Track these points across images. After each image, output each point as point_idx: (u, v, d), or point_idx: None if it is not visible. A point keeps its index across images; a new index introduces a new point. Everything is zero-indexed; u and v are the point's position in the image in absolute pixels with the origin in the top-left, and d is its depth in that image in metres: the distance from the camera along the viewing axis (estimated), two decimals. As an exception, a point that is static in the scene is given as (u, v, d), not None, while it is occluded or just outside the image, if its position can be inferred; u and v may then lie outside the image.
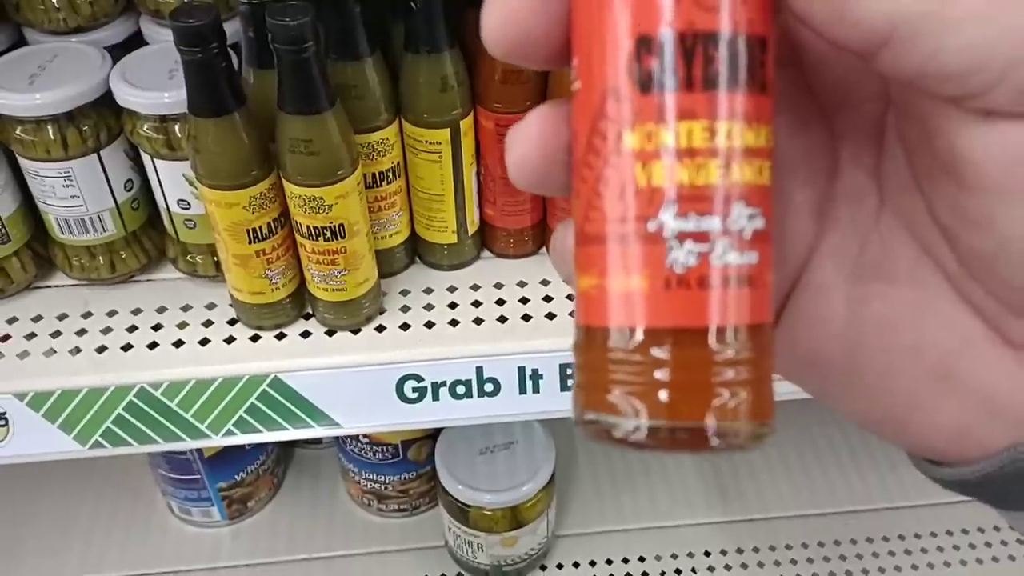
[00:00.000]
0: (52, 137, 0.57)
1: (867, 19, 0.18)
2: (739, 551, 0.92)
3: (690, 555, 0.92)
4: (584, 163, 0.20)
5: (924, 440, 0.23)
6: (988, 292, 0.21)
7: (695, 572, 0.90)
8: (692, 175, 0.19)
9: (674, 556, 0.91)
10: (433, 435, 0.87)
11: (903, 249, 0.22)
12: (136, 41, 0.63)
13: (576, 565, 0.91)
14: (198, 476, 0.87)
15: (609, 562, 0.91)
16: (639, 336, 0.20)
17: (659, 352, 0.20)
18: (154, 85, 0.56)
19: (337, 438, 0.90)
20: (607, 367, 0.20)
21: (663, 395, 0.19)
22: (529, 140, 0.22)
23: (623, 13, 0.19)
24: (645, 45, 0.19)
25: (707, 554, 0.92)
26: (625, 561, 0.91)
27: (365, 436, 0.86)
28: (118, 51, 0.60)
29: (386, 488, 0.91)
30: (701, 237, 0.19)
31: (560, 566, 0.91)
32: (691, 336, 0.20)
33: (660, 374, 0.19)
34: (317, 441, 0.99)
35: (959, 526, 0.94)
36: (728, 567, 0.91)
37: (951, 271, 0.21)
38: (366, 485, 0.91)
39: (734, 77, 0.19)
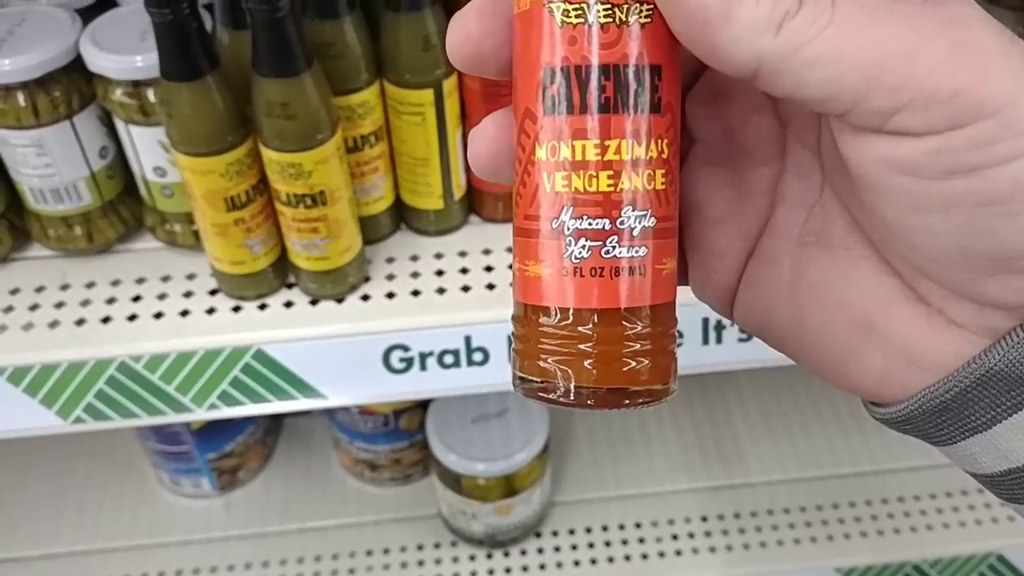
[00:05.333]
0: (22, 104, 0.55)
1: (736, 57, 0.21)
2: (736, 516, 0.91)
3: (687, 520, 0.91)
4: (513, 166, 0.25)
5: (858, 384, 0.26)
6: (898, 259, 0.24)
7: (692, 537, 0.90)
8: (584, 184, 0.23)
9: (671, 522, 0.91)
10: (425, 404, 0.86)
11: (838, 219, 0.25)
12: (108, 3, 0.61)
13: (572, 532, 0.90)
14: (187, 447, 0.86)
15: (605, 529, 0.90)
16: (550, 313, 0.24)
17: (574, 328, 0.24)
18: (126, 49, 0.54)
19: (327, 407, 0.88)
20: (538, 338, 0.24)
21: (587, 363, 0.24)
22: (485, 140, 0.26)
23: (535, 47, 0.23)
24: (549, 75, 0.23)
25: (704, 519, 0.91)
26: (621, 528, 0.90)
27: (356, 406, 0.85)
28: (89, 14, 0.58)
29: (378, 457, 0.90)
30: (592, 235, 0.23)
31: (555, 533, 0.90)
32: (592, 315, 0.24)
33: (577, 345, 0.24)
34: (307, 410, 0.98)
35: (944, 489, 0.93)
36: (725, 531, 0.90)
37: (874, 238, 0.25)
38: (358, 455, 0.90)
39: (623, 102, 0.23)
